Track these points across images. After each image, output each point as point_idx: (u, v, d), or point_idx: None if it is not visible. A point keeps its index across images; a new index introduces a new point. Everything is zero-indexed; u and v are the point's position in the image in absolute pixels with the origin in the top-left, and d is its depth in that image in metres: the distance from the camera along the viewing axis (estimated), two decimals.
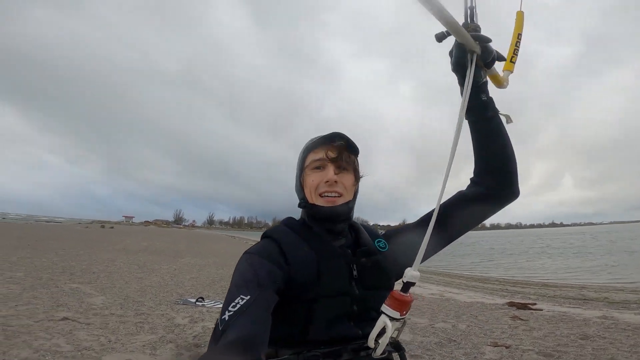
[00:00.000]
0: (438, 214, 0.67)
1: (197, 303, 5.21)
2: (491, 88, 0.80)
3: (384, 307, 0.62)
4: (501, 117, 0.80)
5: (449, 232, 0.83)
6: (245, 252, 0.78)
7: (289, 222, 0.86)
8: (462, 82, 0.75)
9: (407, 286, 0.62)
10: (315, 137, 0.83)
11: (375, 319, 0.63)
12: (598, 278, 11.13)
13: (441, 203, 0.76)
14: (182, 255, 12.89)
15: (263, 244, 0.79)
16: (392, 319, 0.60)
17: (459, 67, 0.73)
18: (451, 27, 0.62)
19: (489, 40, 0.72)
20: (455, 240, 0.87)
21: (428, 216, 0.83)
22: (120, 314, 4.10)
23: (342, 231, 0.83)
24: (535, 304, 6.02)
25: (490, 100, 0.79)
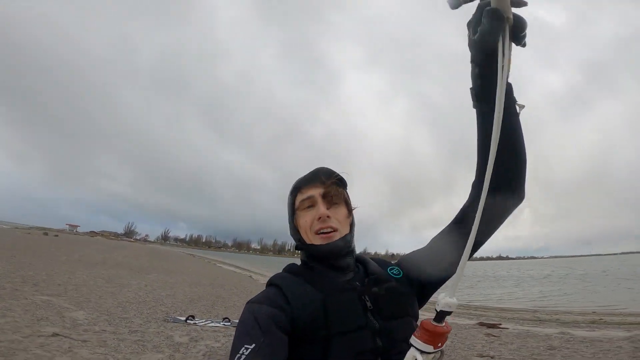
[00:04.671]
0: (442, 238, 0.73)
1: (187, 321, 4.91)
2: None
3: (413, 340, 0.54)
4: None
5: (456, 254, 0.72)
6: (247, 302, 0.73)
7: (290, 267, 0.81)
8: (487, 64, 0.58)
9: (441, 315, 0.52)
10: (301, 177, 0.82)
11: (406, 352, 0.55)
12: (543, 303, 12.16)
13: (444, 228, 0.77)
14: (147, 272, 12.04)
15: (264, 292, 0.75)
16: (422, 352, 0.52)
17: (487, 43, 0.54)
18: None
19: (526, 4, 0.52)
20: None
21: (442, 233, 0.78)
22: (113, 331, 3.74)
23: (347, 267, 0.78)
24: (500, 323, 6.75)
25: (510, 86, 0.61)
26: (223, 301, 7.51)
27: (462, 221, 0.75)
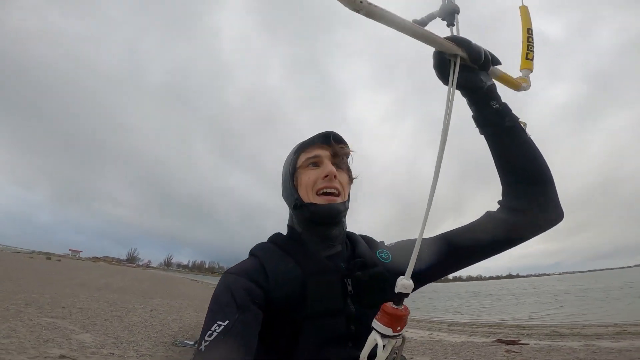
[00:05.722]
0: (457, 233, 0.72)
1: (196, 345, 4.69)
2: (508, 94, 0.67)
3: (375, 323, 0.53)
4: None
5: (465, 255, 0.74)
6: (225, 272, 0.70)
7: (275, 237, 0.77)
8: (464, 95, 0.67)
9: (399, 298, 0.53)
10: (308, 138, 0.77)
11: None
12: (562, 319, 11.54)
13: (467, 223, 0.75)
14: (150, 296, 11.76)
15: (244, 262, 0.71)
16: (384, 336, 0.52)
17: (444, 79, 0.61)
18: (420, 36, 0.53)
19: (469, 41, 0.61)
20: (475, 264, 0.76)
21: (448, 233, 0.76)
22: (121, 354, 3.58)
23: (337, 237, 0.74)
24: (519, 340, 6.35)
25: (505, 107, 0.66)
26: None
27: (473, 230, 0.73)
